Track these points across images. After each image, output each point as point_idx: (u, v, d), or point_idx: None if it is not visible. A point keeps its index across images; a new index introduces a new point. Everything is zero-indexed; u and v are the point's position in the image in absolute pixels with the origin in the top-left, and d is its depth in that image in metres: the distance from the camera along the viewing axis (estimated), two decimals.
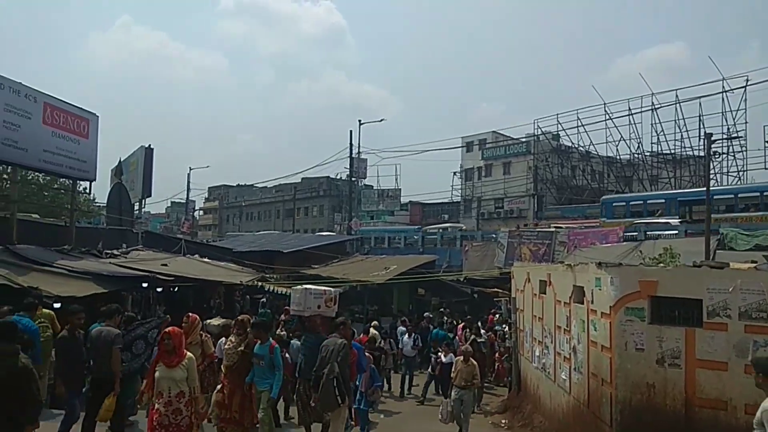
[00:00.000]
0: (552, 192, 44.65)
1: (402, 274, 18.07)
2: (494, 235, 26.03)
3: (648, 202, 28.11)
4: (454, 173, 54.30)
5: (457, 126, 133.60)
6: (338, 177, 56.01)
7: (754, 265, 8.13)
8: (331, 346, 7.17)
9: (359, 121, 37.56)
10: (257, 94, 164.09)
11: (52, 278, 10.98)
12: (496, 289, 18.69)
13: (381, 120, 43.31)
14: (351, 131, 36.44)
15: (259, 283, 16.25)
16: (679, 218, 23.09)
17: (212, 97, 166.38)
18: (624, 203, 28.97)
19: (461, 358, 9.93)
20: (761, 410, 4.50)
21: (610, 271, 7.31)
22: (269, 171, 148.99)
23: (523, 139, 48.67)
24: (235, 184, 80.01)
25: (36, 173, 19.91)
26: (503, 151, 50.60)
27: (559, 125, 43.57)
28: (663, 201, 27.26)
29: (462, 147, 53.04)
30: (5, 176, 23.85)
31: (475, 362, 9.92)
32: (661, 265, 9.12)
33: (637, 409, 6.71)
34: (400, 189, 58.59)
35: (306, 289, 8.59)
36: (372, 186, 60.53)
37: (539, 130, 45.63)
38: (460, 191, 53.90)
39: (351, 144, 36.37)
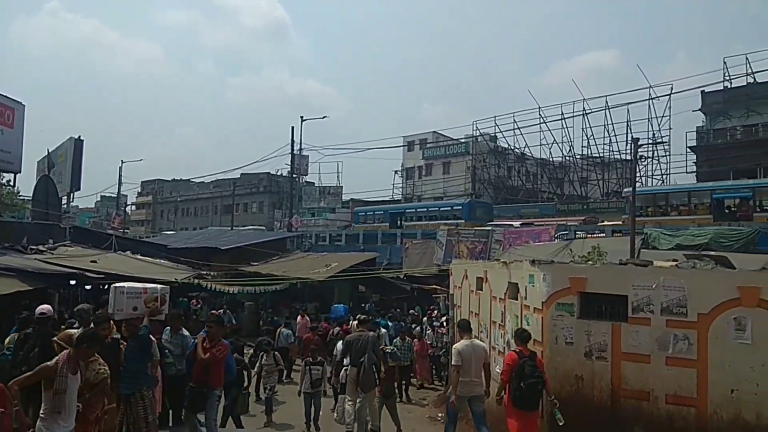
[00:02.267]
0: (489, 192, 45.86)
1: (343, 271, 18.09)
2: (434, 234, 26.47)
3: (376, 213, 37.26)
4: (396, 172, 54.90)
5: (400, 125, 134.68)
6: (279, 173, 55.31)
7: (676, 263, 8.68)
8: (363, 338, 8.37)
9: (301, 117, 37.33)
10: (197, 86, 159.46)
11: None
12: (434, 286, 19.02)
13: (323, 117, 42.70)
14: (293, 127, 35.98)
15: (196, 281, 15.85)
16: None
17: (150, 88, 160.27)
18: (364, 213, 37.81)
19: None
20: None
21: (542, 269, 7.60)
22: (209, 166, 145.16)
23: (463, 140, 49.83)
24: (170, 179, 77.41)
25: None
26: (443, 151, 51.57)
27: (496, 127, 45.03)
28: (382, 213, 36.57)
29: (404, 146, 53.62)
30: None
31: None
32: (590, 262, 9.56)
33: (567, 401, 7.01)
34: (342, 186, 58.56)
35: (116, 287, 7.18)
36: (314, 183, 60.12)
37: (478, 131, 46.97)
38: (401, 190, 54.54)
39: (293, 140, 36.05)
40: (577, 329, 7.20)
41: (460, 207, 32.32)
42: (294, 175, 39.76)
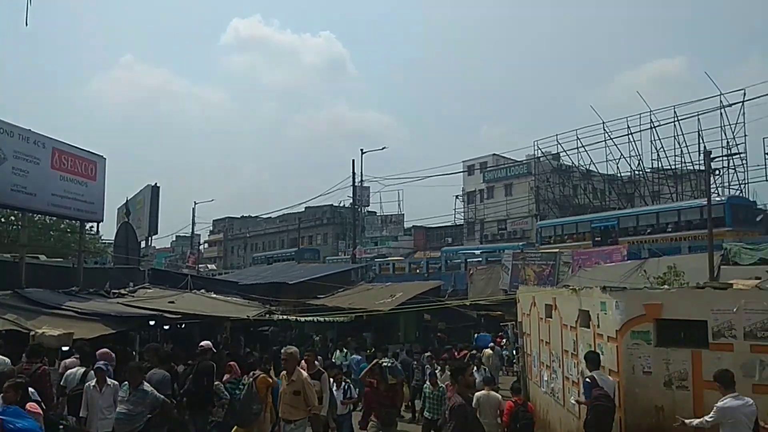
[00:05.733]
0: (554, 211, 44.80)
1: (409, 301, 18.10)
2: (499, 258, 26.10)
3: None
4: (457, 197, 54.71)
5: (459, 149, 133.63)
6: (341, 204, 56.34)
7: (758, 282, 8.20)
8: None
9: (361, 150, 37.93)
10: (261, 126, 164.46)
11: (60, 321, 11.03)
12: (500, 313, 18.72)
13: (383, 148, 43.05)
14: (353, 160, 36.62)
15: (267, 316, 16.31)
16: None
17: (217, 131, 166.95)
18: None
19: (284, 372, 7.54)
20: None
21: (614, 295, 7.38)
22: (275, 202, 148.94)
23: (524, 161, 49.15)
24: (239, 216, 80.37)
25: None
26: (504, 173, 51.06)
27: (558, 145, 44.02)
28: None
29: (464, 171, 53.50)
30: (12, 218, 24.16)
31: (305, 377, 7.46)
32: (666, 286, 9.17)
33: None
34: (404, 214, 58.87)
35: None
36: (375, 212, 60.84)
37: (539, 151, 46.16)
38: (463, 214, 54.21)
39: (354, 173, 36.63)
40: (655, 358, 6.92)
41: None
42: (356, 206, 40.34)
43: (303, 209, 58.21)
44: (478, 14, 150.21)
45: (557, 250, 25.04)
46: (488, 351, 15.29)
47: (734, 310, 6.50)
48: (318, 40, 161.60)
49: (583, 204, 44.06)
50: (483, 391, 8.92)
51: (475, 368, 11.80)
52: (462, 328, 21.40)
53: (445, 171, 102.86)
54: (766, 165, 33.33)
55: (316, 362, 8.79)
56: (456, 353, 15.21)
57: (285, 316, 16.73)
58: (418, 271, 30.14)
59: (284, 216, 64.83)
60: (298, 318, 16.77)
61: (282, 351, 7.82)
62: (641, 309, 7.08)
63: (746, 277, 9.85)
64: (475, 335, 19.85)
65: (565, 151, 44.03)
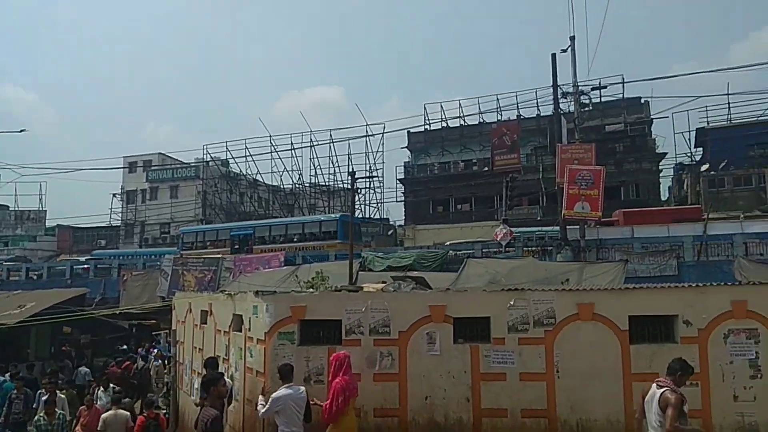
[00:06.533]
0: (221, 217, 45.03)
1: (44, 311, 15.55)
2: (158, 263, 24.75)
3: None
4: (114, 195, 50.11)
5: (120, 143, 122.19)
6: None
7: (383, 285, 9.67)
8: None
9: None
10: None
11: None
12: (155, 321, 17.75)
13: (21, 130, 35.86)
14: None
15: None
16: None
17: None
18: None
19: None
20: None
21: (266, 299, 7.70)
22: None
23: (193, 164, 48.13)
24: None
25: None
26: (170, 174, 49.04)
27: (228, 152, 44.61)
28: None
29: (124, 167, 49.36)
30: None
31: None
32: (311, 289, 10.05)
33: None
34: (46, 210, 50.96)
35: None
36: (8, 206, 50.99)
37: (209, 155, 45.89)
38: (120, 214, 49.93)
39: None
40: (297, 356, 7.43)
41: None
42: None
43: None
44: (157, 9, 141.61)
45: (220, 255, 25.11)
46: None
47: (363, 309, 7.48)
48: None
49: (249, 211, 45.48)
50: (110, 411, 8.78)
51: (102, 388, 10.84)
52: (110, 339, 19.43)
53: (101, 165, 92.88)
54: (396, 188, 40.33)
55: None
56: (116, 367, 14.08)
57: None
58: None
59: None
60: None
61: None
62: (288, 311, 7.54)
63: (377, 282, 11.52)
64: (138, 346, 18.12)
65: (234, 158, 45.01)
